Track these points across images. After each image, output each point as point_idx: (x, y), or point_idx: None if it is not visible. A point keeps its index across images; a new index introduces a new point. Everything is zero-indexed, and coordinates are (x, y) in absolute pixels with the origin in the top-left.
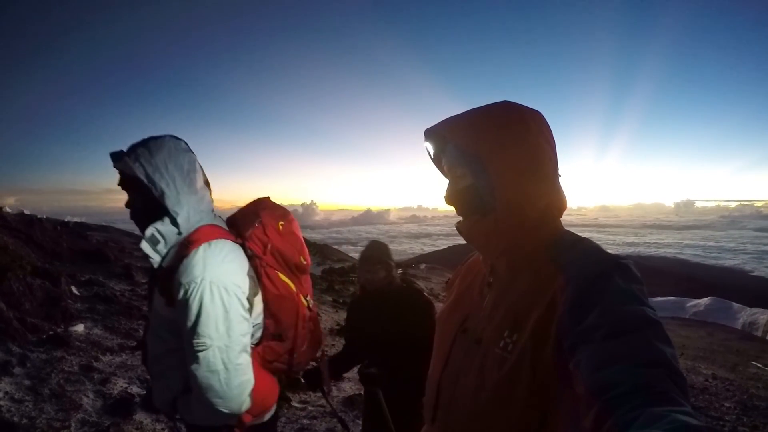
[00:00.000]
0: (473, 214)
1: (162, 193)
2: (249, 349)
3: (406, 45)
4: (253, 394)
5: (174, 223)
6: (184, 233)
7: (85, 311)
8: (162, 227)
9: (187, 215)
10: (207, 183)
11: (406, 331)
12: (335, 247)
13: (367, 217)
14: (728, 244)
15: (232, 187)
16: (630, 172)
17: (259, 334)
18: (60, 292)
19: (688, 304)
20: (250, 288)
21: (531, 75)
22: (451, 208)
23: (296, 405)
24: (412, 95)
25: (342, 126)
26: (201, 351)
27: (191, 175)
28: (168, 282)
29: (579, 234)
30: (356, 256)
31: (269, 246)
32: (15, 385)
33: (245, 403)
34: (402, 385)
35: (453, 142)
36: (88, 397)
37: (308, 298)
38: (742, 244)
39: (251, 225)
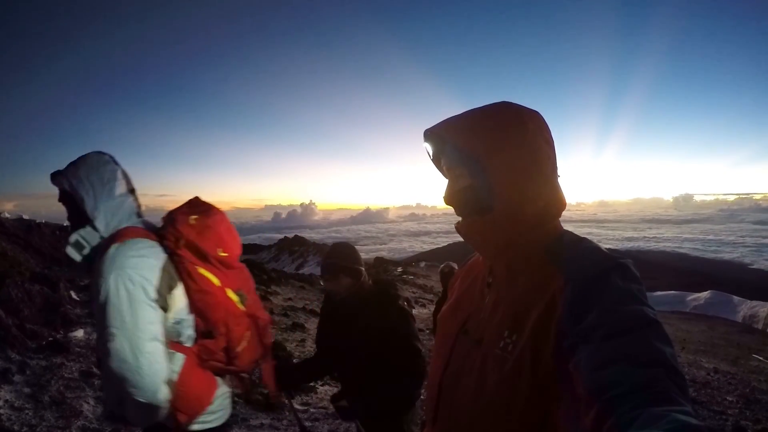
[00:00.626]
0: (472, 215)
1: (82, 200)
2: (161, 338)
3: (404, 44)
4: (186, 391)
5: (94, 228)
6: (105, 236)
7: (84, 316)
8: (84, 233)
9: (105, 219)
10: (132, 190)
11: (376, 343)
12: None
13: (366, 216)
14: (727, 237)
15: (231, 189)
16: (628, 167)
17: (190, 332)
18: (59, 298)
19: (689, 298)
20: (164, 280)
21: (529, 72)
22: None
23: (297, 407)
24: (410, 94)
25: (340, 125)
26: (109, 342)
27: (111, 183)
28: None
29: (578, 229)
30: None
31: (182, 240)
32: (15, 392)
33: (161, 392)
34: (378, 398)
35: (452, 142)
36: (88, 403)
37: (242, 293)
38: (741, 237)
39: (164, 223)
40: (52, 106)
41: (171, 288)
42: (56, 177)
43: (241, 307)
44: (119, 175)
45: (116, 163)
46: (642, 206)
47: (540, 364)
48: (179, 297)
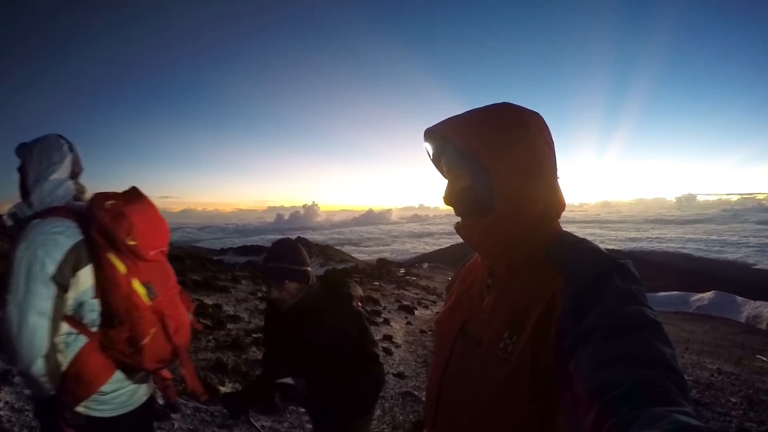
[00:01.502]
0: (472, 215)
1: (27, 173)
2: (48, 314)
3: (406, 44)
4: (77, 373)
5: (30, 202)
6: (37, 210)
7: None
8: (20, 205)
9: (40, 196)
10: (75, 176)
11: (328, 352)
12: (337, 247)
13: (369, 218)
14: (731, 237)
15: (234, 191)
16: (631, 167)
17: (94, 316)
18: None
19: (692, 299)
20: (70, 260)
21: (531, 72)
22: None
23: (300, 410)
24: (412, 95)
25: (342, 127)
26: (5, 306)
27: (55, 165)
28: None
29: (581, 230)
30: (359, 256)
31: (95, 223)
32: (15, 394)
33: (35, 366)
34: (335, 405)
35: (452, 142)
36: None
37: (151, 287)
38: (744, 237)
39: (87, 206)
40: (55, 106)
41: (76, 269)
42: (20, 149)
43: (147, 300)
44: (67, 160)
45: (71, 149)
46: (645, 207)
47: (540, 364)
48: (84, 278)
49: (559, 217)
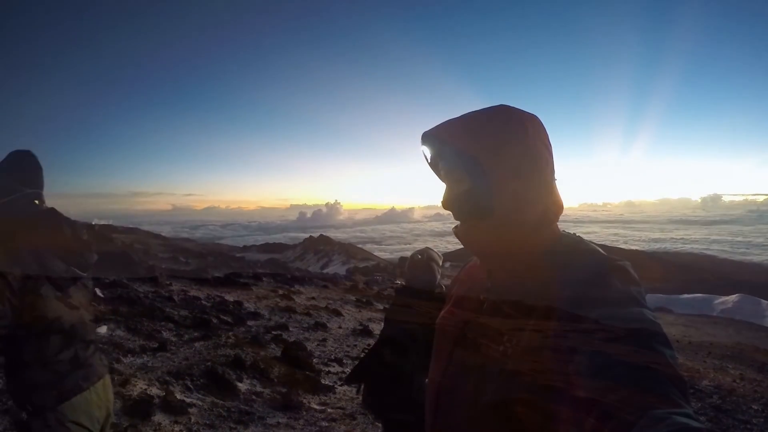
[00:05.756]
0: (471, 219)
1: None
2: None
3: (429, 43)
4: None
5: None
6: None
7: (108, 313)
8: None
9: None
10: None
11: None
12: (360, 246)
13: (391, 216)
14: (757, 239)
15: (257, 189)
16: (656, 167)
17: None
18: None
19: (716, 302)
20: None
21: (555, 69)
22: None
23: (315, 407)
24: (435, 93)
25: (365, 126)
26: None
27: None
28: None
29: (605, 230)
30: (380, 255)
31: None
32: None
33: None
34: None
35: (451, 145)
36: None
37: None
38: None
39: None
40: (77, 106)
41: None
42: None
43: None
44: None
45: None
46: (669, 207)
47: (540, 367)
48: None
49: (557, 220)
